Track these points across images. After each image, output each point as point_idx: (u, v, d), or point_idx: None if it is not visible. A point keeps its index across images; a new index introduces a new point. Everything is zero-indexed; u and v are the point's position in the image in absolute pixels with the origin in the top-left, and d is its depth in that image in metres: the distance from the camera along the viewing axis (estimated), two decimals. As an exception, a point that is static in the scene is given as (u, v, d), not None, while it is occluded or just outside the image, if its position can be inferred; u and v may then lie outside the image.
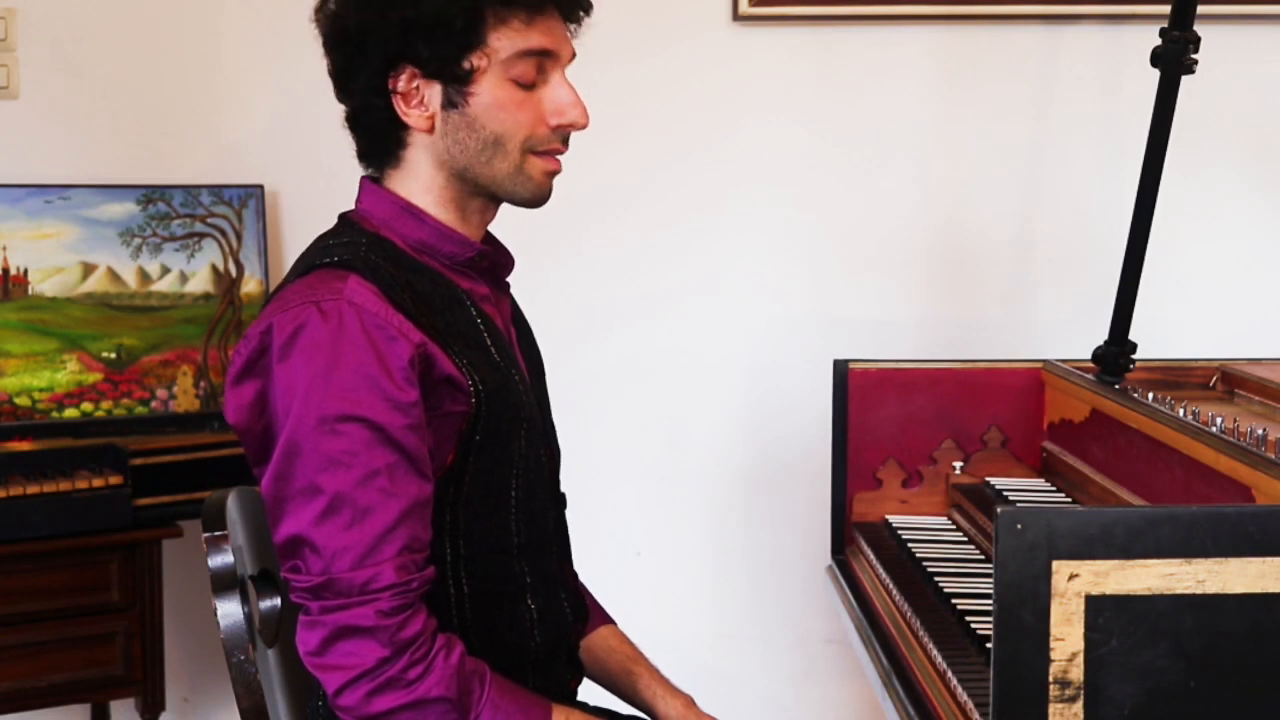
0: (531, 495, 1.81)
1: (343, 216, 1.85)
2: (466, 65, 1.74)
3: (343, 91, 1.81)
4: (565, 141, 1.81)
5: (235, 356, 1.72)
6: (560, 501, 1.94)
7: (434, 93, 1.76)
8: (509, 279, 1.93)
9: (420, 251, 1.80)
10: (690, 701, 1.97)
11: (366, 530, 1.62)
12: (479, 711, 1.67)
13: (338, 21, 1.77)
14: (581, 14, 1.80)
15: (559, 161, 1.82)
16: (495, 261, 1.87)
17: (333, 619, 1.63)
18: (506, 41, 1.74)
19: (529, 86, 1.77)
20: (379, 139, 1.81)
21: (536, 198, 1.82)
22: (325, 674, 1.64)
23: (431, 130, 1.77)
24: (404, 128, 1.78)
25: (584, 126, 1.80)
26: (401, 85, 1.75)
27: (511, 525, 1.78)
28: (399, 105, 1.76)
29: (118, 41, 3.35)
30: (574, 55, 1.81)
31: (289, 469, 1.64)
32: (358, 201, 1.86)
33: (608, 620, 2.06)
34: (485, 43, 1.74)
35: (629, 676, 2.00)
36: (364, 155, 1.86)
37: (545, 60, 1.78)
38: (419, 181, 1.80)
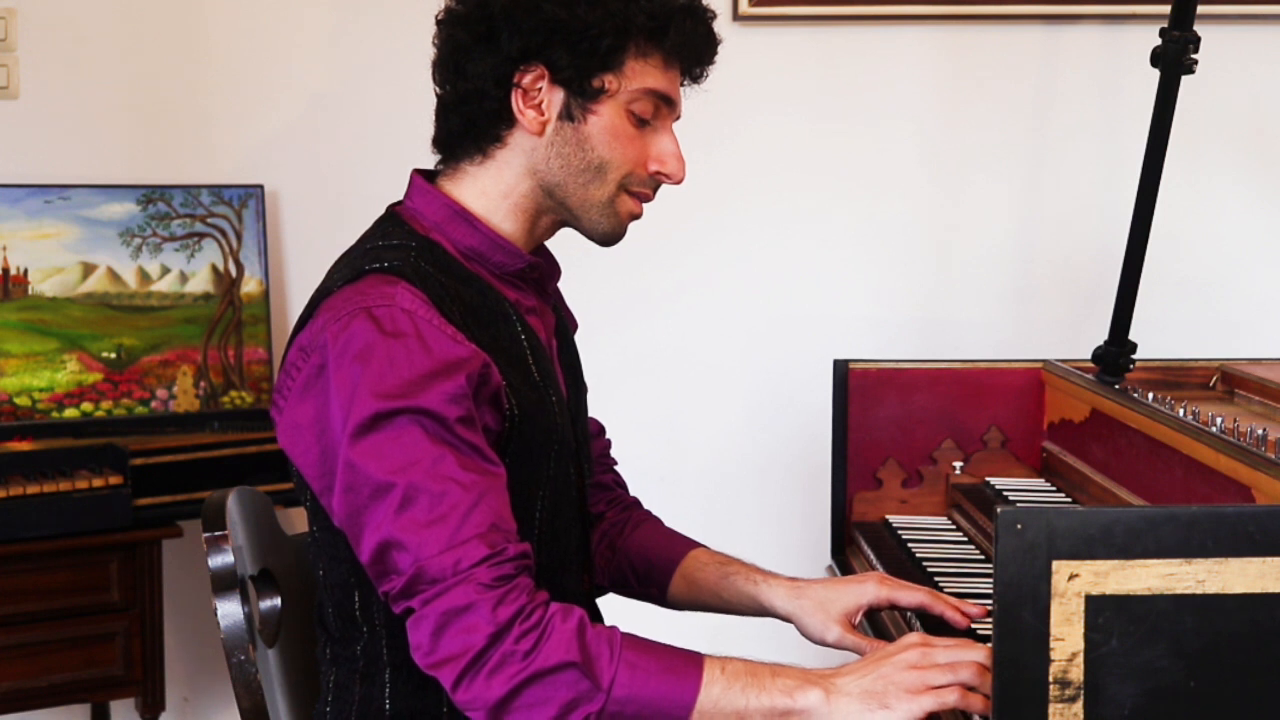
0: (556, 514, 1.79)
1: (392, 212, 1.82)
2: (598, 83, 1.74)
3: (455, 71, 1.77)
4: (655, 190, 1.81)
5: (291, 373, 1.68)
6: (587, 520, 1.91)
7: (555, 99, 1.74)
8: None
9: (469, 258, 1.77)
10: (794, 580, 1.93)
11: (446, 514, 1.58)
12: (614, 673, 1.56)
13: (484, 4, 1.74)
14: (697, 78, 1.81)
15: (643, 207, 1.81)
16: (544, 272, 1.85)
17: (434, 607, 1.56)
18: (640, 75, 1.75)
19: (641, 125, 1.77)
20: (478, 129, 1.77)
21: (613, 235, 1.81)
22: (441, 671, 1.57)
23: (540, 134, 1.75)
24: (509, 125, 1.76)
25: (679, 182, 1.81)
26: (527, 82, 1.74)
27: (533, 545, 1.72)
28: (517, 101, 1.74)
29: (118, 41, 3.35)
30: (680, 116, 1.82)
31: (355, 478, 1.60)
32: (408, 198, 1.82)
33: (695, 545, 2.02)
34: (622, 68, 1.74)
35: (727, 579, 1.95)
36: (447, 143, 1.81)
37: (663, 106, 1.79)
38: (498, 184, 1.78)
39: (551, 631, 1.57)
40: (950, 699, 1.59)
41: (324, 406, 1.64)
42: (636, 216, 1.82)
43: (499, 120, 1.76)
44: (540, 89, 1.74)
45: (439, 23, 1.80)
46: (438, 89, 1.80)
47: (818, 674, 1.62)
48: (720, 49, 1.82)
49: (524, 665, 1.55)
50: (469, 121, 1.77)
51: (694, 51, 1.79)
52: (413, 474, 1.59)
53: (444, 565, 1.57)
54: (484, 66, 1.74)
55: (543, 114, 1.75)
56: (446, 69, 1.78)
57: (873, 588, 1.90)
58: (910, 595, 1.90)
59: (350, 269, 1.71)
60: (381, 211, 1.85)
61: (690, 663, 1.60)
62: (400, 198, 1.85)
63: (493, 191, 1.79)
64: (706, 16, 1.80)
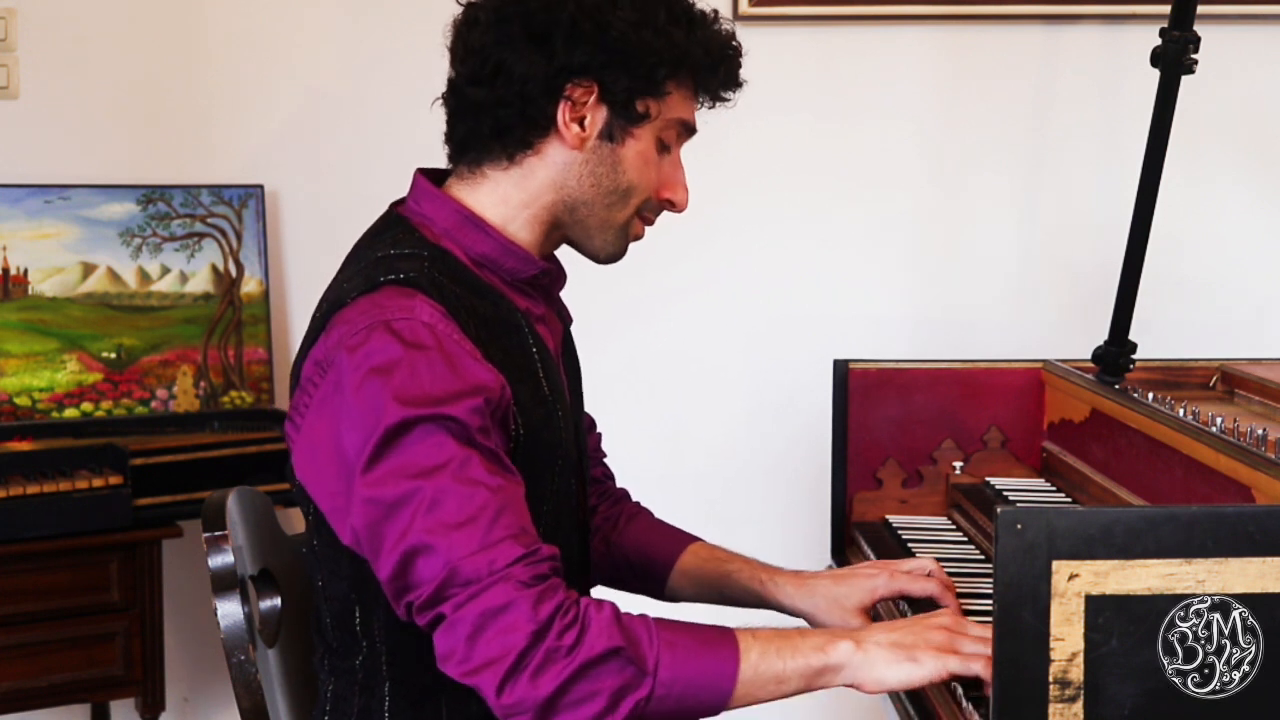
0: (557, 527, 1.77)
1: (401, 219, 1.77)
2: (642, 108, 1.73)
3: (496, 70, 1.71)
4: (658, 215, 1.82)
5: (308, 389, 1.65)
6: (586, 529, 1.90)
7: (599, 117, 1.72)
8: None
9: (481, 265, 1.74)
10: (799, 575, 1.92)
11: (476, 515, 1.54)
12: (656, 655, 1.54)
13: (549, 8, 1.69)
14: (710, 107, 1.81)
15: (645, 231, 1.82)
16: (552, 278, 1.83)
17: (470, 609, 1.52)
18: (676, 105, 1.75)
19: (662, 151, 1.77)
20: (514, 134, 1.72)
21: (617, 256, 1.82)
22: (479, 677, 1.52)
23: (578, 150, 1.73)
24: (545, 134, 1.73)
25: (681, 211, 1.81)
26: (577, 95, 1.71)
27: None
28: (563, 113, 1.71)
29: (118, 41, 3.35)
30: None
31: (378, 490, 1.56)
32: (415, 202, 1.78)
33: (692, 539, 2.01)
34: (665, 97, 1.74)
35: (730, 577, 1.94)
36: (469, 144, 1.76)
37: (684, 135, 1.79)
38: (520, 192, 1.75)
39: (590, 622, 1.54)
40: (975, 667, 1.59)
41: (342, 421, 1.60)
42: (639, 239, 1.82)
43: (535, 128, 1.72)
44: (587, 104, 1.71)
45: (477, 8, 1.74)
46: (467, 83, 1.73)
47: (844, 629, 1.64)
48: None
49: (570, 659, 1.52)
50: (504, 126, 1.73)
51: (728, 92, 1.80)
52: (440, 477, 1.55)
53: (478, 566, 1.53)
54: (535, 71, 1.70)
55: (584, 130, 1.72)
56: (484, 64, 1.72)
57: (884, 580, 1.89)
58: (920, 586, 1.90)
59: (364, 279, 1.67)
60: (382, 211, 1.82)
61: (724, 635, 1.59)
62: (400, 197, 1.82)
63: (514, 200, 1.76)
64: (740, 58, 1.80)
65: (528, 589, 1.53)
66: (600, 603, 1.58)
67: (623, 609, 1.59)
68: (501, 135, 1.73)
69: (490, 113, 1.72)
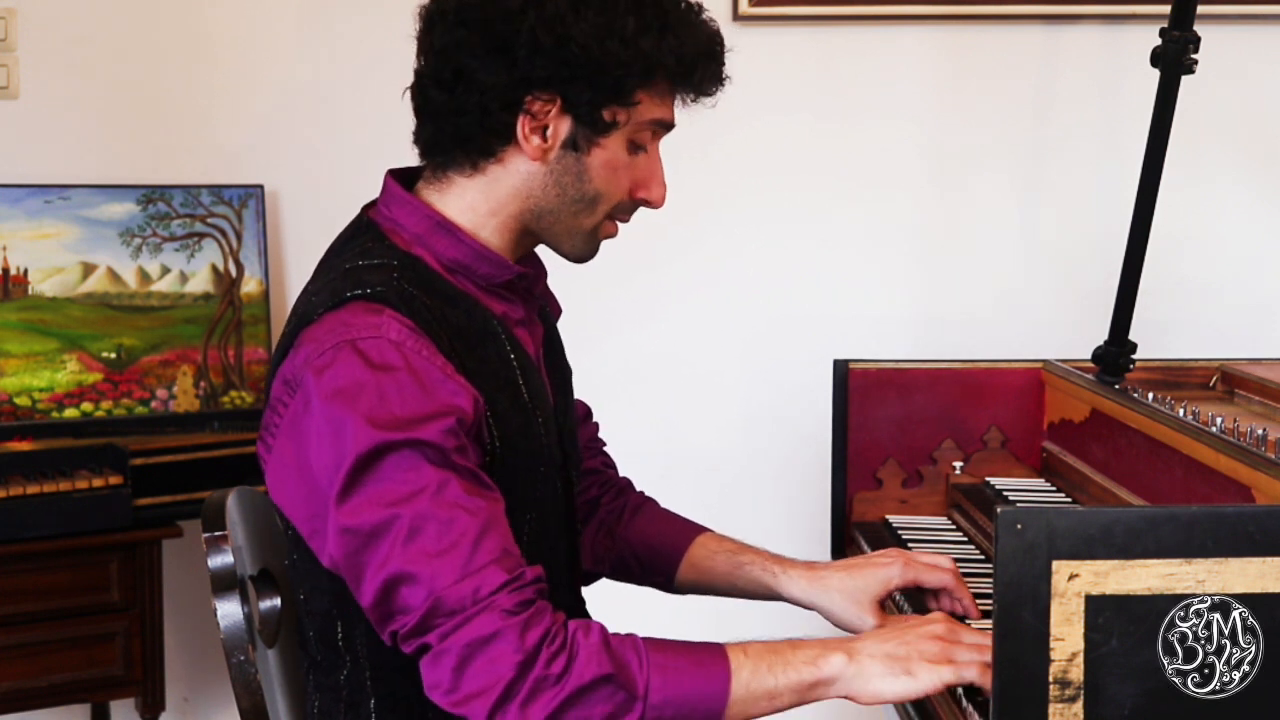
0: (543, 533, 1.75)
1: (371, 225, 1.74)
2: (609, 116, 1.68)
3: (456, 75, 1.66)
4: (633, 213, 1.77)
5: (277, 409, 1.62)
6: (575, 532, 1.87)
7: (562, 128, 1.67)
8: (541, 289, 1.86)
9: (453, 271, 1.71)
10: (811, 567, 1.90)
11: (457, 541, 1.52)
12: (647, 679, 1.53)
13: (509, 17, 1.64)
14: (703, 98, 1.75)
15: (619, 228, 1.78)
16: (530, 279, 1.79)
17: (456, 639, 1.51)
18: (650, 108, 1.70)
19: (635, 151, 1.72)
20: (475, 143, 1.69)
21: (588, 256, 1.78)
22: (468, 707, 1.51)
23: (540, 161, 1.68)
24: (507, 144, 1.68)
25: (658, 208, 1.77)
26: (537, 108, 1.66)
27: None
28: (523, 126, 1.67)
29: (118, 41, 3.35)
30: None
31: (353, 518, 1.54)
32: (385, 206, 1.75)
33: (700, 529, 1.99)
34: (635, 105, 1.68)
35: (741, 569, 1.93)
36: (433, 147, 1.72)
37: (660, 132, 1.75)
38: (487, 201, 1.71)
39: (579, 648, 1.53)
40: (969, 675, 1.59)
41: (311, 447, 1.58)
42: (612, 237, 1.78)
43: (497, 137, 1.69)
44: (549, 115, 1.67)
45: (442, 9, 1.69)
46: (430, 84, 1.69)
47: (837, 640, 1.61)
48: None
49: (559, 688, 1.51)
50: (465, 134, 1.69)
51: (708, 91, 1.74)
52: (417, 503, 1.53)
53: (462, 594, 1.52)
54: (494, 81, 1.65)
55: (546, 141, 1.68)
56: (444, 66, 1.67)
57: (899, 569, 1.88)
58: (935, 576, 1.88)
59: (331, 294, 1.64)
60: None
61: (715, 653, 1.58)
62: (373, 199, 1.79)
63: (481, 208, 1.72)
64: (723, 56, 1.74)
65: (513, 616, 1.52)
66: (589, 625, 1.57)
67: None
68: (464, 143, 1.70)
69: (451, 120, 1.69)
